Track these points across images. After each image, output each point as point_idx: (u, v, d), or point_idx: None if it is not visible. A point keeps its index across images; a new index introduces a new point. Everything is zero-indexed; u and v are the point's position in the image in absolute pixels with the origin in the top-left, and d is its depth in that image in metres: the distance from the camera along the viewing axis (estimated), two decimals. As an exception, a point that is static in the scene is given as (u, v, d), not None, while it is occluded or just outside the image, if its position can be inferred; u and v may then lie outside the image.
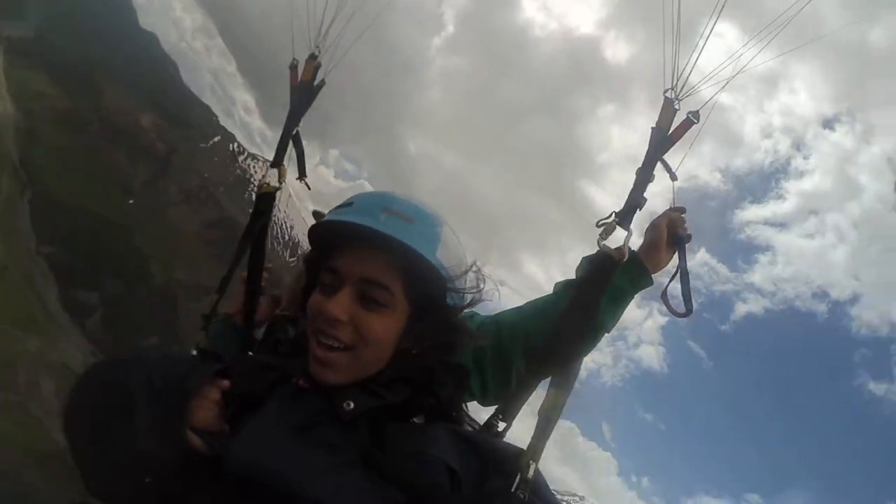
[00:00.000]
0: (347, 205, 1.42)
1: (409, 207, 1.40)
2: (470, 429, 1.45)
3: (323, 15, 2.12)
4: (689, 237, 1.97)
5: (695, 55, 1.86)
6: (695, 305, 1.93)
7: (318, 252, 1.49)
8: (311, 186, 2.29)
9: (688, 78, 1.85)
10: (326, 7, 2.11)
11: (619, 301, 1.91)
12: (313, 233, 1.49)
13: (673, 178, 1.92)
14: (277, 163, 2.19)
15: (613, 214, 1.82)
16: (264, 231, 2.14)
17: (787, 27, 1.85)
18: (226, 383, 1.37)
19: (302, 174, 2.27)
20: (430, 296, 1.38)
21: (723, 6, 1.89)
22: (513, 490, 1.21)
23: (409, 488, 1.16)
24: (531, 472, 1.25)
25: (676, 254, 2.00)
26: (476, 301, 1.47)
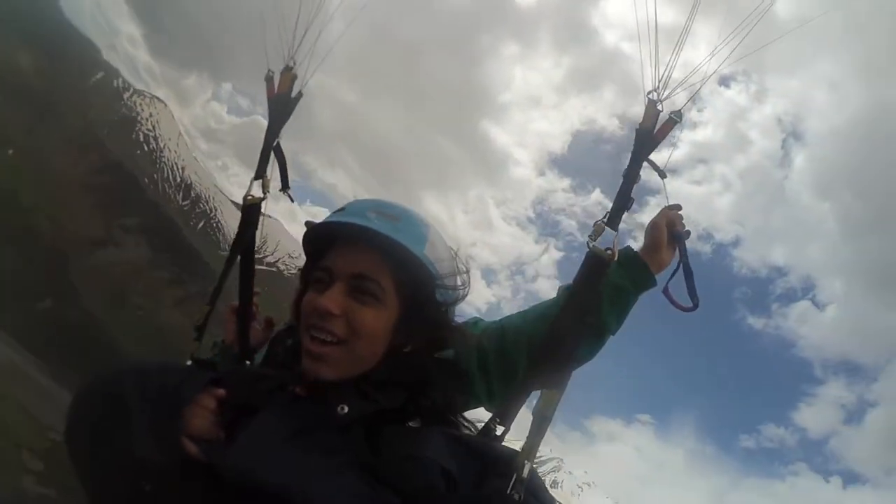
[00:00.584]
0: (339, 211, 1.48)
1: (397, 210, 1.49)
2: (467, 432, 1.46)
3: (295, 27, 2.10)
4: (688, 233, 2.00)
5: (675, 54, 1.86)
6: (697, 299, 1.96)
7: (311, 257, 1.54)
8: (293, 199, 2.25)
9: (668, 79, 1.86)
10: (299, 19, 2.10)
11: (623, 303, 1.94)
12: (306, 239, 1.54)
13: (662, 175, 1.94)
14: (260, 174, 2.14)
15: (606, 215, 1.82)
16: (253, 242, 2.12)
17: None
18: (221, 392, 1.38)
19: (285, 186, 2.21)
20: (419, 292, 1.43)
21: (698, 6, 1.94)
22: (508, 491, 1.23)
23: (405, 491, 1.17)
24: (526, 472, 1.27)
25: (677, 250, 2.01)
26: (463, 297, 1.53)
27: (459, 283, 1.53)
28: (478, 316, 2.01)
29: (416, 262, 1.41)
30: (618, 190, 1.85)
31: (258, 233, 2.13)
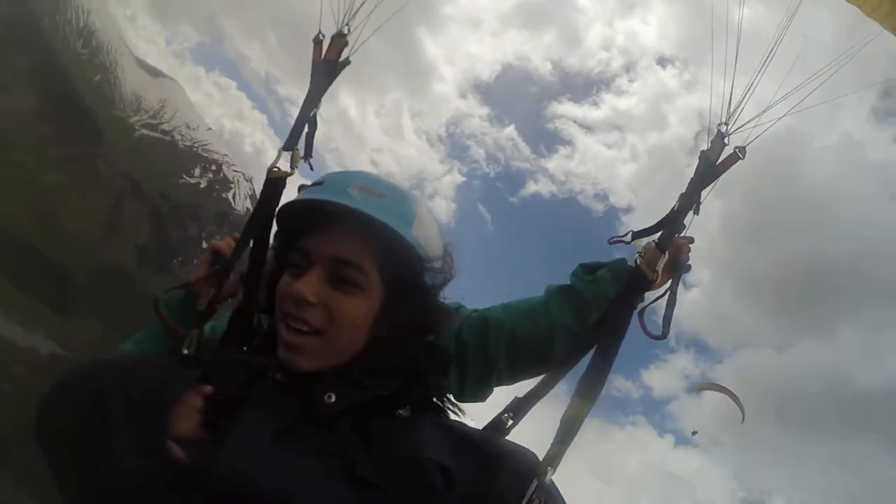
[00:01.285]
0: (317, 184, 1.37)
1: (383, 184, 1.37)
2: (457, 419, 1.41)
3: None
4: (688, 267, 1.97)
5: (750, 88, 1.90)
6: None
7: (287, 235, 1.43)
8: (313, 167, 2.06)
9: (740, 113, 1.89)
10: None
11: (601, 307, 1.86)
12: (281, 214, 1.43)
13: (696, 212, 1.90)
14: (291, 145, 1.95)
15: (630, 234, 1.89)
16: (270, 221, 1.77)
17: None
18: (208, 389, 1.28)
19: (308, 154, 2.02)
20: (406, 275, 1.33)
21: (777, 45, 1.95)
22: (527, 497, 1.18)
23: (403, 493, 1.12)
24: (548, 478, 1.23)
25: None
26: (448, 280, 1.44)
27: (448, 262, 1.43)
28: (458, 302, 1.91)
29: (404, 245, 1.30)
30: (672, 212, 1.87)
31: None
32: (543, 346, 1.84)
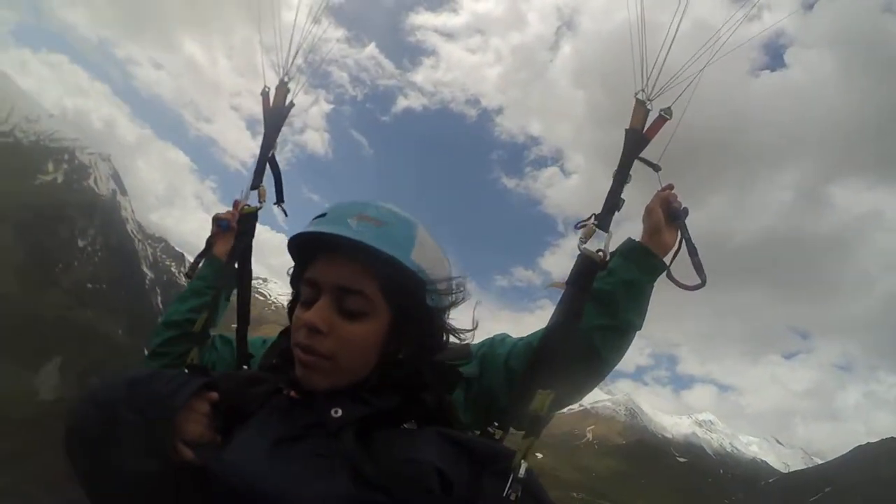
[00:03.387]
0: (321, 216, 1.43)
1: (382, 212, 1.42)
2: (461, 431, 1.41)
3: (290, 46, 2.28)
4: (685, 210, 1.97)
5: (662, 55, 1.90)
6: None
7: (297, 266, 1.51)
8: (287, 213, 2.36)
9: (658, 77, 1.90)
10: (293, 39, 2.28)
11: (639, 295, 1.89)
12: (291, 247, 1.50)
13: (656, 169, 1.95)
14: (256, 184, 2.29)
15: (593, 216, 1.85)
16: (248, 250, 2.24)
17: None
18: (214, 395, 1.36)
19: (279, 199, 2.36)
20: (409, 299, 1.39)
21: (685, 7, 1.96)
22: (505, 492, 1.21)
23: (399, 494, 1.15)
24: (522, 472, 1.25)
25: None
26: (458, 302, 1.48)
27: (453, 285, 1.47)
28: (505, 333, 1.98)
29: (403, 270, 1.36)
30: (609, 190, 1.88)
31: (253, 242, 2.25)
32: (589, 353, 1.83)
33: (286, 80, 2.32)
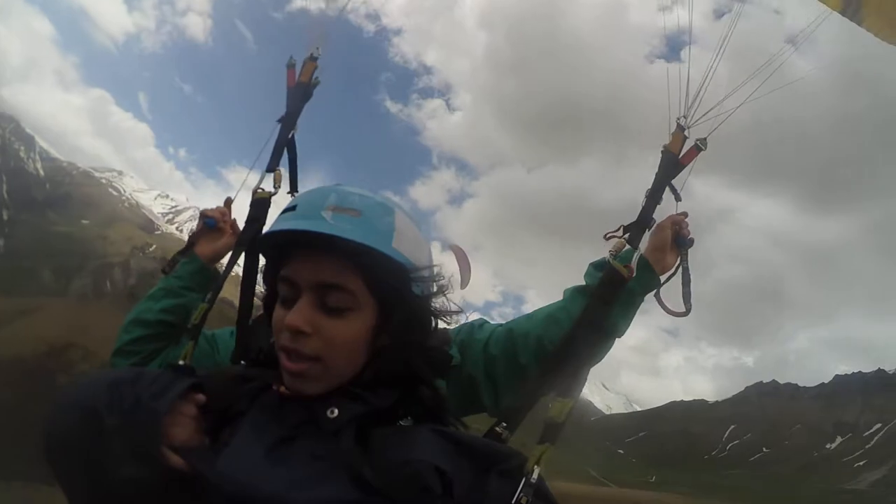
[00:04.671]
0: (291, 209, 1.34)
1: (356, 199, 1.32)
2: (458, 429, 1.39)
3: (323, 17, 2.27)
4: (691, 241, 2.02)
5: (705, 83, 1.93)
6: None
7: (271, 263, 1.43)
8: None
9: (698, 106, 1.93)
10: (327, 8, 2.29)
11: (629, 305, 1.92)
12: (261, 245, 1.44)
13: (678, 199, 1.98)
14: (273, 167, 2.15)
15: (622, 228, 1.89)
16: (257, 239, 1.95)
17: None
18: (201, 397, 1.30)
19: (293, 187, 2.20)
20: (394, 289, 1.32)
21: (728, 39, 2.00)
22: (515, 497, 1.19)
23: (399, 496, 1.13)
24: (535, 477, 1.23)
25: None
26: (444, 288, 1.41)
27: (437, 271, 1.42)
28: (484, 318, 2.00)
29: (386, 261, 1.28)
30: (641, 209, 1.91)
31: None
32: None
33: (317, 54, 2.22)
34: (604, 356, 1.89)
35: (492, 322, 1.95)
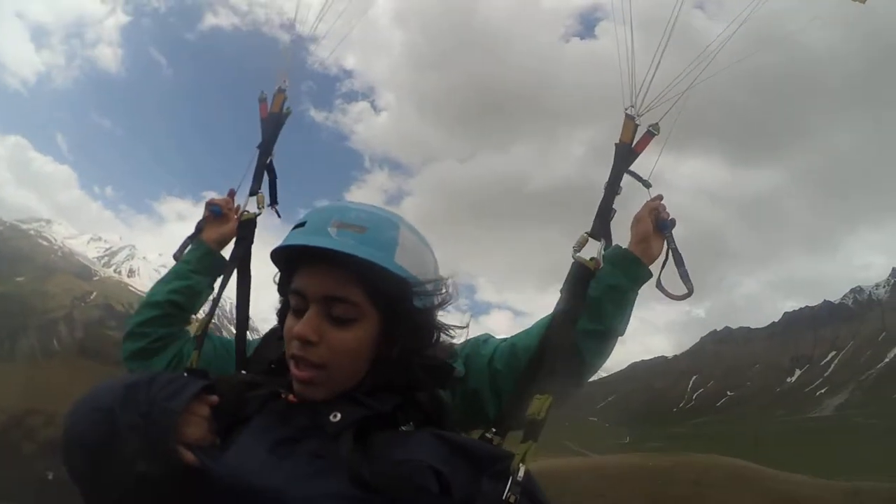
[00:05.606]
0: (301, 225, 1.44)
1: (361, 215, 1.41)
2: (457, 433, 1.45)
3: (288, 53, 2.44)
4: (673, 221, 2.03)
5: (650, 72, 2.03)
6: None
7: (284, 276, 1.53)
8: (280, 214, 2.42)
9: (646, 93, 2.02)
10: (291, 44, 2.46)
11: (623, 302, 1.93)
12: (274, 259, 1.52)
13: (647, 185, 2.05)
14: (255, 190, 2.35)
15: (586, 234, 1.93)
16: (248, 256, 2.25)
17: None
18: (214, 398, 1.38)
19: (273, 201, 2.41)
20: (395, 301, 1.40)
21: (673, 25, 2.08)
22: (504, 495, 1.23)
23: (396, 495, 1.19)
24: (521, 475, 1.27)
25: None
26: (446, 301, 1.49)
27: (440, 284, 1.49)
28: (488, 334, 2.01)
29: (386, 275, 1.36)
30: (600, 202, 1.97)
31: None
32: (572, 355, 1.86)
33: (284, 86, 2.40)
34: (606, 357, 1.93)
35: (496, 337, 1.98)
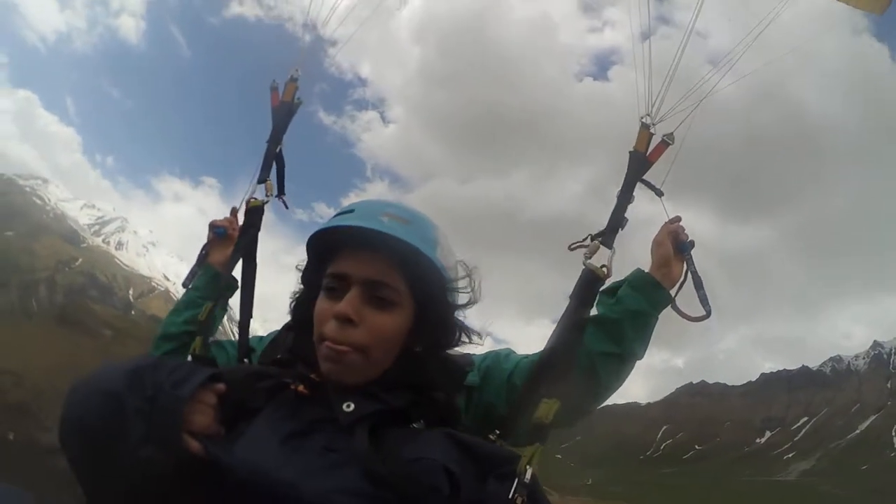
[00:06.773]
0: (349, 211, 1.48)
1: (409, 212, 1.49)
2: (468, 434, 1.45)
3: (303, 40, 2.43)
4: (691, 243, 2.04)
5: (666, 83, 2.05)
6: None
7: (316, 261, 1.52)
8: (287, 205, 2.41)
9: (661, 104, 2.04)
10: (305, 32, 2.46)
11: (645, 326, 1.94)
12: (313, 241, 1.51)
13: (659, 194, 2.05)
14: (263, 178, 2.34)
15: (589, 237, 1.94)
16: (254, 243, 2.22)
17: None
18: (221, 387, 1.34)
19: (280, 191, 2.39)
20: (432, 294, 1.45)
21: (689, 37, 2.11)
22: (511, 495, 1.25)
23: (408, 492, 1.19)
24: (528, 477, 1.28)
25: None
26: (473, 301, 1.55)
27: (469, 287, 1.55)
28: (509, 348, 2.02)
29: (430, 266, 1.42)
30: (612, 209, 1.97)
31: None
32: (589, 376, 1.88)
33: (297, 75, 2.39)
34: (623, 380, 1.94)
35: (518, 353, 1.98)
